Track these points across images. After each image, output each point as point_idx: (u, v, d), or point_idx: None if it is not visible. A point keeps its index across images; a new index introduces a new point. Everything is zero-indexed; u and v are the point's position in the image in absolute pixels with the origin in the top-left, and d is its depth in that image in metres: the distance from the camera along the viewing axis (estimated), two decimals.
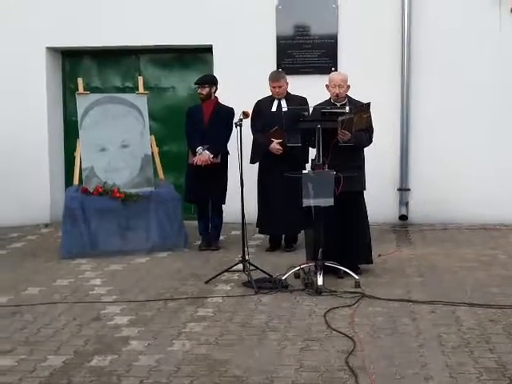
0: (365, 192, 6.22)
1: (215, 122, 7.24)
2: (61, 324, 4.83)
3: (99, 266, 6.65)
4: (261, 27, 8.62)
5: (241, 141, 5.93)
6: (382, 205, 8.29)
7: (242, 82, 8.37)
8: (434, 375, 3.83)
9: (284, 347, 4.31)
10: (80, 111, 7.39)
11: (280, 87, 7.08)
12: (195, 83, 7.39)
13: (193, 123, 7.35)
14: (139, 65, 9.27)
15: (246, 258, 5.95)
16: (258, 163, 7.24)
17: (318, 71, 8.46)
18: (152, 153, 7.58)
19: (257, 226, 7.39)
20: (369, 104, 5.84)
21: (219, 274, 6.00)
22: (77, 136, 7.46)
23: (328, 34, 8.61)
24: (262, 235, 7.63)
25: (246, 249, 5.95)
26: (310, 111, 6.37)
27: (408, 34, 8.42)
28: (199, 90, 7.30)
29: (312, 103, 6.51)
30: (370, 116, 5.89)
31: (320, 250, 5.71)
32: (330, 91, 6.18)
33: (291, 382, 3.76)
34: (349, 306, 5.15)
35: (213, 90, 7.32)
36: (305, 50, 8.68)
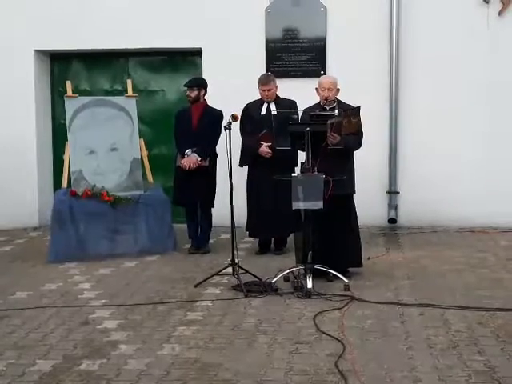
0: (354, 195, 6.23)
1: (204, 125, 7.23)
2: (49, 328, 4.81)
3: (88, 269, 6.62)
4: (250, 30, 8.63)
5: (230, 144, 5.93)
6: (371, 208, 8.31)
7: (231, 85, 8.37)
8: (422, 378, 3.84)
9: (274, 350, 4.31)
10: (68, 114, 7.35)
11: (269, 90, 7.09)
12: (184, 85, 7.38)
13: (181, 126, 7.35)
14: (128, 67, 9.26)
15: (236, 261, 5.94)
16: (247, 166, 7.24)
17: (307, 74, 8.49)
18: (141, 156, 7.56)
19: (246, 230, 7.39)
20: (359, 108, 5.85)
21: (209, 278, 5.99)
22: (65, 139, 7.43)
23: (317, 37, 8.63)
24: (251, 238, 7.62)
25: (235, 252, 5.94)
26: (300, 114, 6.38)
27: (397, 36, 8.45)
28: (188, 93, 7.30)
29: (301, 106, 6.52)
30: (359, 120, 5.90)
31: (309, 253, 5.71)
32: (319, 94, 6.19)
33: None
34: (338, 309, 5.16)
35: (202, 93, 7.31)
36: (294, 53, 8.69)
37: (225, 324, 4.87)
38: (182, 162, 7.16)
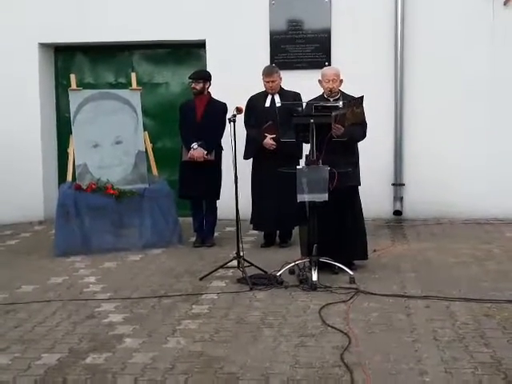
0: (359, 187, 6.21)
1: (208, 118, 7.21)
2: (55, 322, 4.82)
3: (93, 263, 6.63)
4: (254, 22, 8.60)
5: (234, 136, 5.92)
6: (377, 200, 8.29)
7: (236, 77, 8.35)
8: (429, 370, 3.83)
9: (279, 343, 4.30)
10: (73, 107, 7.35)
11: (273, 82, 7.06)
12: (189, 78, 7.35)
13: (185, 118, 7.33)
14: (132, 60, 9.25)
15: (241, 254, 5.94)
16: (251, 159, 7.23)
17: (311, 66, 8.45)
18: (146, 149, 7.56)
19: (251, 223, 7.38)
20: (362, 98, 5.82)
21: (214, 271, 5.99)
22: (70, 132, 7.43)
23: (321, 28, 8.60)
24: (256, 231, 7.62)
25: (240, 245, 5.94)
26: (304, 106, 6.36)
27: (401, 27, 8.41)
28: (193, 85, 7.27)
29: (305, 98, 6.50)
30: (363, 110, 5.87)
31: (314, 245, 5.70)
32: (323, 86, 6.16)
33: (286, 379, 3.76)
34: (344, 301, 5.15)
35: (206, 86, 7.29)
36: (298, 44, 8.66)
37: (230, 317, 4.87)
38: (191, 153, 7.13)
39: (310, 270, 5.63)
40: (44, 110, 9.08)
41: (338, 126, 5.68)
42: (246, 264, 5.92)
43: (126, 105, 7.53)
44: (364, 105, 5.87)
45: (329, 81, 6.08)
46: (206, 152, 7.12)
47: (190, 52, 9.15)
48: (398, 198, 8.63)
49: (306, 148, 6.06)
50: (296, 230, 6.95)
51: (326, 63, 8.33)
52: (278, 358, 4.06)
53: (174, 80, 9.18)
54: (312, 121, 5.62)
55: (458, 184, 8.45)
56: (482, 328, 4.51)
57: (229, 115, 6.21)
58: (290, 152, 6.76)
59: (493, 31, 8.33)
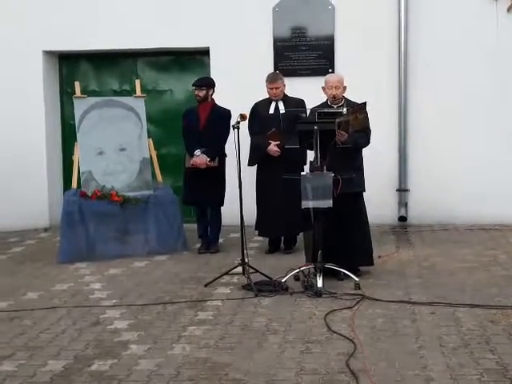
0: (364, 193, 6.21)
1: (212, 125, 7.23)
2: (60, 329, 4.82)
3: (98, 270, 6.64)
4: (258, 29, 8.61)
5: (239, 143, 5.93)
6: (381, 206, 8.27)
7: (239, 84, 8.36)
8: (434, 377, 3.82)
9: (284, 350, 4.30)
10: (77, 115, 7.37)
11: (277, 88, 7.07)
12: (193, 85, 7.38)
13: (189, 125, 7.35)
14: (136, 68, 9.26)
15: (246, 260, 5.94)
16: (256, 165, 7.23)
17: (315, 73, 8.45)
18: (150, 156, 7.57)
19: (256, 229, 7.38)
20: (365, 104, 5.83)
21: (219, 277, 5.99)
22: (75, 140, 7.45)
23: (325, 35, 8.61)
24: (261, 237, 7.62)
25: (245, 251, 5.94)
26: (308, 113, 6.37)
27: (405, 34, 8.41)
28: (196, 92, 7.29)
29: (309, 105, 6.50)
30: (366, 116, 5.88)
31: (319, 251, 5.70)
32: (326, 93, 6.17)
33: None
34: (349, 308, 5.14)
35: (210, 93, 7.32)
36: (302, 51, 8.67)
37: (235, 324, 4.87)
38: (194, 159, 7.15)
39: (315, 276, 5.63)
40: (48, 118, 9.10)
41: (341, 133, 5.69)
42: (250, 270, 5.91)
43: (130, 112, 7.54)
44: (368, 111, 5.88)
45: (332, 87, 6.09)
46: (208, 159, 7.13)
47: (193, 59, 9.16)
48: (403, 203, 8.62)
49: (310, 154, 6.07)
50: (301, 236, 6.94)
51: (330, 70, 8.33)
52: (283, 364, 4.06)
53: (178, 87, 9.20)
54: (316, 127, 5.63)
55: (463, 190, 8.43)
56: (487, 334, 4.50)
57: (233, 122, 6.22)
58: (294, 158, 6.77)
59: (497, 38, 8.31)
